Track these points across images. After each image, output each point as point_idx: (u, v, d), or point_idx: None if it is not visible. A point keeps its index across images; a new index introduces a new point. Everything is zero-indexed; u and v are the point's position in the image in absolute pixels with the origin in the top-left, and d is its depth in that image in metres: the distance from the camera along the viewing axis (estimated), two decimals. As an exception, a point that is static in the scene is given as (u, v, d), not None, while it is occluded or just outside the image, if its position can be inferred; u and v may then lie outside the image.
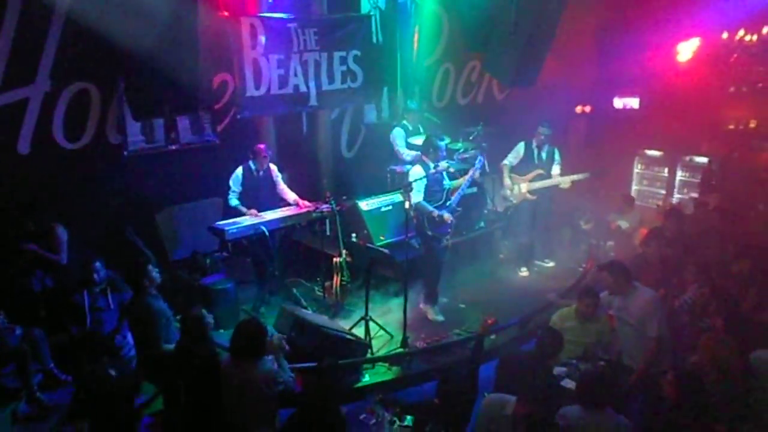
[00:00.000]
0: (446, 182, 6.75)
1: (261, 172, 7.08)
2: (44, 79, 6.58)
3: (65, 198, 6.78)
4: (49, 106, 6.69)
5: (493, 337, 6.44)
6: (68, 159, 6.93)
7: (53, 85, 6.65)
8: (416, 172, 6.51)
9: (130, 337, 5.42)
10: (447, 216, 6.51)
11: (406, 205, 6.36)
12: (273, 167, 7.22)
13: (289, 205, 7.17)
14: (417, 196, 6.43)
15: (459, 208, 6.72)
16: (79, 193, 6.92)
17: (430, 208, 6.46)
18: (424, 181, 6.44)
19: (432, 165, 6.55)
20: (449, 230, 6.70)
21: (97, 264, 5.59)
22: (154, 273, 5.07)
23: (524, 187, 7.78)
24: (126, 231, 6.77)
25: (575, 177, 7.76)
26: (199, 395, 4.41)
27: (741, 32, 10.10)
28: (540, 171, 7.77)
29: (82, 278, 5.65)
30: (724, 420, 4.28)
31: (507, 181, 7.89)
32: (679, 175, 10.23)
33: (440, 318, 6.82)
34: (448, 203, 6.63)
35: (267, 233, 6.63)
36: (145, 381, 5.18)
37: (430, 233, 6.57)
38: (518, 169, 7.88)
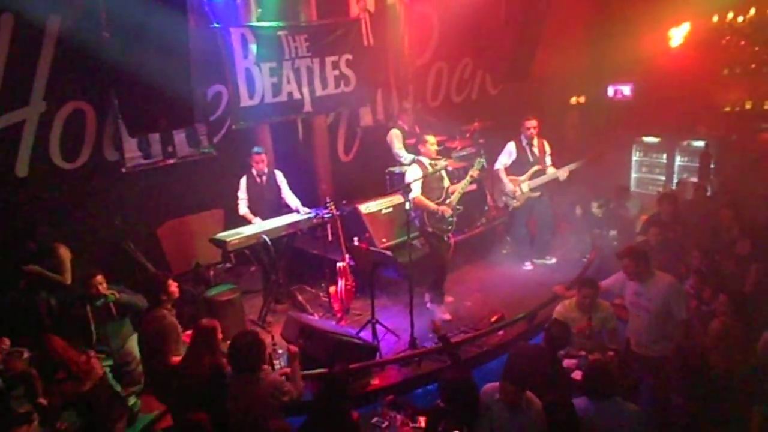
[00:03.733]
0: (446, 182, 6.76)
1: (264, 179, 7.09)
2: (38, 101, 6.59)
3: (66, 217, 6.78)
4: (45, 128, 6.70)
5: (500, 333, 6.44)
6: (67, 179, 6.94)
7: (48, 106, 6.66)
8: (414, 171, 6.51)
9: (137, 351, 5.40)
10: (444, 208, 6.52)
11: (407, 205, 6.36)
12: (278, 173, 7.24)
13: (291, 211, 7.18)
14: (415, 192, 6.44)
15: (459, 207, 6.71)
16: (79, 212, 6.93)
17: (428, 202, 6.47)
18: (421, 177, 6.47)
19: (429, 162, 6.56)
20: (450, 226, 6.69)
21: (98, 277, 5.58)
22: (173, 288, 5.08)
23: (526, 186, 7.75)
24: (125, 245, 6.77)
25: (572, 166, 7.74)
26: (207, 408, 4.41)
27: (730, 14, 10.12)
28: (537, 167, 7.75)
29: (83, 293, 5.65)
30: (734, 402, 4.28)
31: (509, 185, 7.77)
32: (678, 160, 10.20)
33: (447, 317, 6.82)
34: (447, 200, 6.63)
35: (269, 242, 6.63)
36: (153, 395, 5.18)
37: (430, 229, 6.58)
38: (514, 170, 7.80)
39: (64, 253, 6.13)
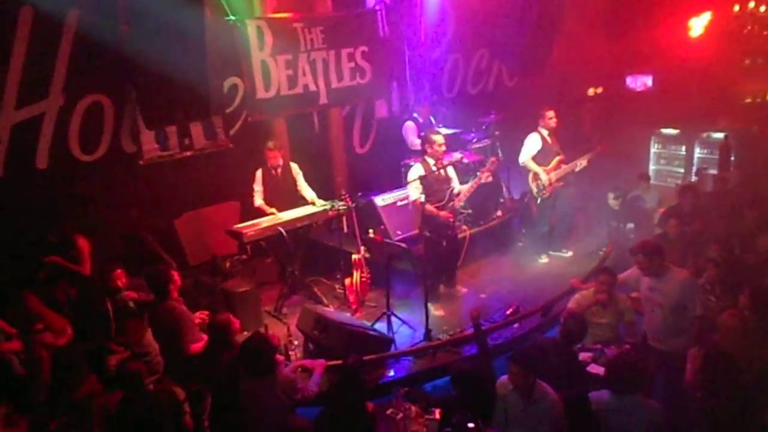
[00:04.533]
0: (455, 184, 6.69)
1: (279, 171, 7.12)
2: (58, 94, 6.66)
3: (85, 209, 6.85)
4: (64, 120, 6.77)
5: (516, 325, 6.42)
6: (86, 170, 7.02)
7: (67, 98, 6.73)
8: (415, 170, 6.48)
9: (154, 343, 5.47)
10: (444, 214, 6.47)
11: (412, 196, 6.34)
12: (293, 166, 7.26)
13: (307, 203, 7.20)
14: (414, 194, 6.40)
15: (468, 210, 6.62)
16: (98, 203, 7.00)
17: (429, 207, 6.43)
18: (422, 180, 6.42)
19: (433, 163, 6.52)
20: (449, 232, 6.64)
21: (119, 271, 5.65)
22: (176, 276, 5.13)
23: (554, 176, 7.67)
24: (143, 237, 6.83)
25: (589, 156, 7.69)
26: (224, 400, 4.45)
27: (752, 3, 9.94)
28: (561, 158, 7.68)
29: (104, 287, 5.72)
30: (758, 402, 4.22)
31: (543, 175, 7.64)
32: (697, 152, 10.04)
33: (440, 313, 6.77)
34: (450, 203, 6.59)
35: (284, 234, 6.66)
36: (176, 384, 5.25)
37: (427, 234, 6.54)
38: (537, 162, 7.70)
39: (84, 244, 6.20)
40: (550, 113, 7.61)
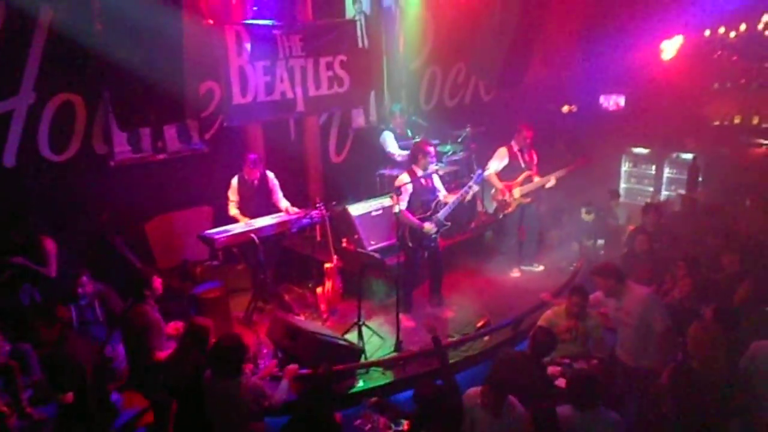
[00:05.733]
0: (440, 193, 6.71)
1: (255, 181, 7.06)
2: (28, 91, 6.52)
3: (53, 210, 6.71)
4: (33, 119, 6.63)
5: (486, 338, 6.45)
6: (54, 170, 6.88)
7: (37, 97, 6.59)
8: (403, 179, 6.49)
9: (120, 349, 5.36)
10: (429, 227, 6.49)
11: (395, 209, 6.34)
12: (270, 175, 7.20)
13: (280, 211, 7.15)
14: (398, 205, 6.39)
15: (447, 223, 6.66)
16: (66, 204, 6.86)
17: (413, 218, 6.44)
18: (410, 189, 6.44)
19: (421, 173, 6.54)
20: (432, 243, 6.66)
21: (84, 278, 5.53)
22: (157, 284, 5.04)
23: (517, 192, 7.73)
24: (112, 239, 6.72)
25: (559, 173, 7.75)
26: (189, 407, 4.38)
27: (722, 29, 10.23)
28: (528, 173, 7.76)
29: (69, 292, 5.59)
30: (720, 414, 4.30)
31: (502, 189, 7.73)
32: (667, 172, 10.28)
33: (411, 324, 6.72)
34: (435, 215, 6.60)
35: (257, 240, 6.60)
36: (137, 391, 5.15)
37: (410, 244, 6.55)
38: (504, 176, 7.77)
39: (50, 245, 6.08)
40: (528, 132, 7.64)
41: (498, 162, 7.77)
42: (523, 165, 7.75)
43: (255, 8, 7.45)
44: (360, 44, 8.53)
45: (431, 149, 6.66)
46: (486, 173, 7.77)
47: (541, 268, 8.22)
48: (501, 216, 7.95)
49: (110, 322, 5.70)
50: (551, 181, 7.71)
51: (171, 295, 6.65)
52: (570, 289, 5.65)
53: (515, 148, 7.74)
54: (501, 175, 7.80)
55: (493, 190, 7.90)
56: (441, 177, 7.33)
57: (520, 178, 7.73)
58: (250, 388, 4.33)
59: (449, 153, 8.64)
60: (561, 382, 4.95)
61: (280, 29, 7.47)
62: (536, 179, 7.74)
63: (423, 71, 10.16)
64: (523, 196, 7.75)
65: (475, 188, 6.66)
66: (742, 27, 10.05)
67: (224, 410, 4.28)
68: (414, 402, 4.36)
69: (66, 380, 4.76)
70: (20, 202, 6.53)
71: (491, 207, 8.22)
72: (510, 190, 7.72)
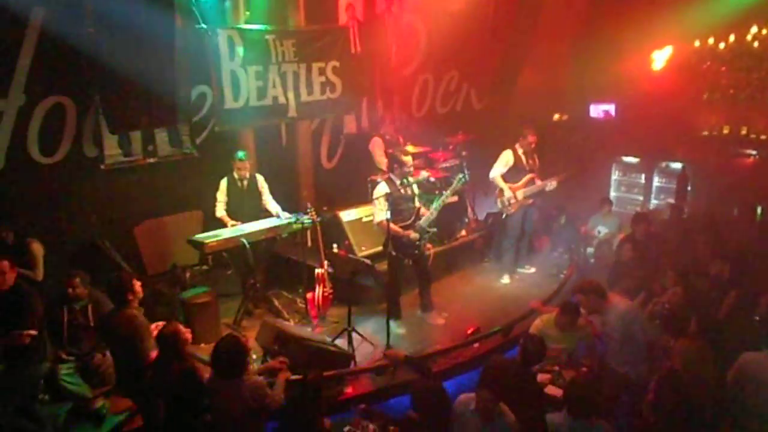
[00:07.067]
0: (416, 202, 6.69)
1: (245, 183, 7.04)
2: (18, 93, 6.49)
3: (41, 213, 6.67)
4: (23, 121, 6.59)
5: (476, 345, 6.45)
6: (44, 173, 6.83)
7: (28, 99, 6.55)
8: (380, 190, 6.48)
9: (109, 355, 5.31)
10: (414, 235, 6.48)
11: (375, 218, 6.33)
12: (259, 178, 7.18)
13: (271, 216, 7.13)
14: (380, 215, 6.37)
15: (431, 229, 6.64)
16: (55, 207, 6.81)
17: (396, 228, 6.40)
18: (388, 197, 6.40)
19: (399, 182, 6.53)
20: (416, 251, 6.66)
21: (77, 280, 5.48)
22: (138, 287, 5.00)
23: (521, 194, 7.76)
24: (101, 243, 6.67)
25: (560, 177, 7.80)
26: (176, 411, 4.34)
27: (711, 40, 10.34)
28: (532, 176, 7.78)
29: (60, 294, 5.53)
30: (707, 425, 4.32)
31: (507, 192, 7.71)
32: (656, 181, 10.37)
33: (401, 331, 6.74)
34: (417, 223, 6.58)
35: (247, 245, 6.58)
36: (125, 395, 5.10)
37: (394, 253, 6.53)
38: (507, 178, 7.78)
39: (37, 248, 6.03)
40: (532, 137, 7.66)
41: (503, 165, 7.79)
42: (527, 168, 7.79)
43: (247, 13, 7.45)
44: (353, 50, 8.54)
45: (407, 159, 6.62)
46: (491, 176, 7.80)
47: (533, 270, 8.29)
48: (504, 216, 7.96)
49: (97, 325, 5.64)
50: (553, 184, 7.76)
51: (160, 300, 6.64)
52: (562, 305, 5.59)
53: (519, 152, 7.78)
54: (504, 177, 7.83)
55: (497, 190, 7.90)
56: (432, 183, 7.35)
57: (523, 180, 7.77)
58: (251, 386, 4.32)
59: (441, 160, 8.65)
60: (550, 390, 4.96)
61: (273, 34, 7.47)
62: (538, 182, 7.79)
63: (415, 78, 10.19)
64: (525, 197, 7.79)
65: (457, 187, 6.64)
66: (731, 38, 10.15)
67: (229, 411, 4.27)
68: (412, 398, 4.35)
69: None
70: (8, 204, 6.47)
71: (497, 207, 8.13)
72: (514, 192, 7.76)
